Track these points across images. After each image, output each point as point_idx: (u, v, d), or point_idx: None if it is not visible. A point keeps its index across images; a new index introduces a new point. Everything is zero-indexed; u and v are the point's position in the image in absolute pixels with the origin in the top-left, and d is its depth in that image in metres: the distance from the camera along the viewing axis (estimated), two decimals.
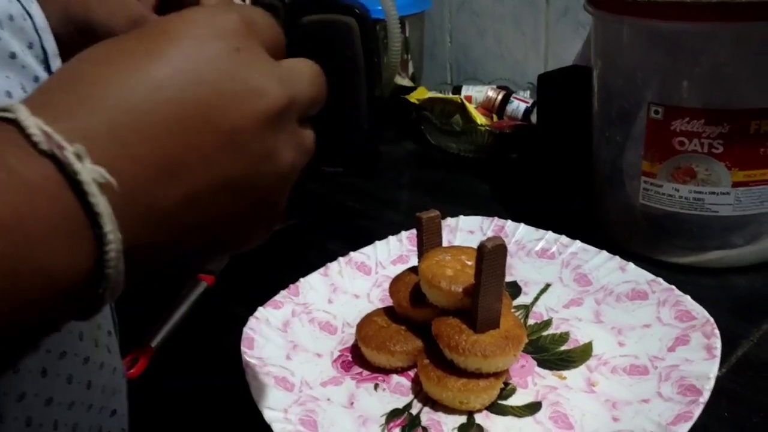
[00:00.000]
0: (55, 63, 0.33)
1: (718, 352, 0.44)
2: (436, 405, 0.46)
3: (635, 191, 0.60)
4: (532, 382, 0.47)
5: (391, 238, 0.63)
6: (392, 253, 0.62)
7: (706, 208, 0.57)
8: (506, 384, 0.47)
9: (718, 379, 0.43)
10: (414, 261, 0.54)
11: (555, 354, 0.50)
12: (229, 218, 0.24)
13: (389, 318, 0.51)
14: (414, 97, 0.94)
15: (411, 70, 1.03)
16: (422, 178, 0.87)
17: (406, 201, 0.82)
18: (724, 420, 0.44)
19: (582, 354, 0.49)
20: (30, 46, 0.31)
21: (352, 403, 0.46)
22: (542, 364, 0.49)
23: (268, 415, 0.42)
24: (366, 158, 0.87)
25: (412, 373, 0.49)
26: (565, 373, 0.48)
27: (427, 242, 0.52)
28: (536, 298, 0.56)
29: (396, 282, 0.53)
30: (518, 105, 0.91)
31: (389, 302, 0.53)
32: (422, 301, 0.49)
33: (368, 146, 0.87)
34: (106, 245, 0.20)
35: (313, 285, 0.57)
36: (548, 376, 0.48)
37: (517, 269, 0.59)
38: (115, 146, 0.21)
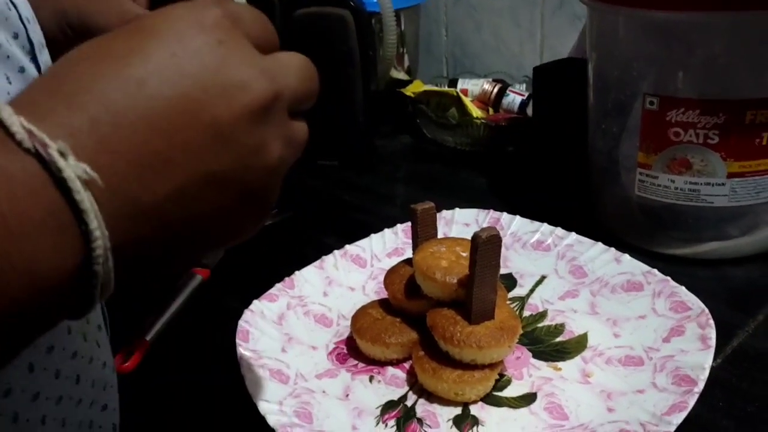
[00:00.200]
0: (43, 54, 0.33)
1: (712, 343, 0.45)
2: (431, 396, 0.46)
3: (631, 183, 0.60)
4: (527, 373, 0.47)
5: (387, 231, 0.63)
6: (387, 246, 0.62)
7: (702, 199, 0.57)
8: (501, 375, 0.47)
9: (713, 370, 0.43)
10: (409, 253, 0.54)
11: (550, 345, 0.50)
12: (218, 212, 0.24)
13: (384, 310, 0.51)
14: (410, 91, 0.94)
15: (407, 63, 1.02)
16: (418, 172, 0.87)
17: (402, 195, 0.81)
18: (719, 410, 0.44)
19: (577, 345, 0.49)
20: (15, 37, 0.31)
21: (347, 395, 0.46)
22: (537, 355, 0.49)
23: (263, 407, 0.42)
24: (362, 152, 0.87)
25: (407, 365, 0.49)
26: (560, 364, 0.48)
27: (422, 234, 0.52)
28: (532, 290, 0.56)
29: (391, 274, 0.53)
30: (514, 98, 0.91)
31: (384, 294, 0.53)
32: (417, 293, 0.49)
33: (364, 140, 0.87)
34: (92, 242, 0.20)
35: (308, 278, 0.57)
36: (543, 368, 0.48)
37: (512, 261, 0.59)
38: (97, 143, 0.21)
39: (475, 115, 0.87)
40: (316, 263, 0.58)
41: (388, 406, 0.45)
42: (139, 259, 0.23)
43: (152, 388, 0.51)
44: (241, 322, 0.50)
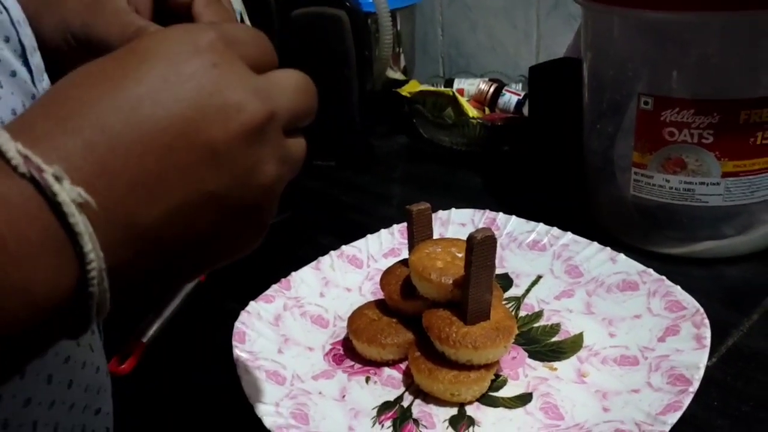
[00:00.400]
0: (34, 57, 0.33)
1: (707, 342, 0.45)
2: (427, 397, 0.46)
3: (626, 182, 0.60)
4: (523, 373, 0.47)
5: (383, 232, 0.63)
6: (384, 247, 0.62)
7: (697, 199, 0.57)
8: (497, 375, 0.47)
9: (708, 369, 0.44)
10: (406, 254, 0.54)
11: (546, 345, 0.50)
12: (214, 232, 0.24)
13: (380, 311, 0.51)
14: (406, 91, 0.94)
15: (403, 63, 1.02)
16: (415, 172, 0.87)
17: (399, 195, 0.81)
18: (714, 409, 0.44)
19: (573, 345, 0.49)
20: (6, 40, 0.31)
21: (343, 396, 0.46)
22: (533, 355, 0.49)
23: (260, 409, 0.42)
24: (358, 152, 0.87)
25: (403, 366, 0.49)
26: (555, 364, 0.48)
27: (418, 235, 0.52)
28: (527, 290, 0.56)
29: (387, 275, 0.53)
30: (510, 98, 0.91)
31: (381, 295, 0.53)
32: (413, 294, 0.49)
33: (360, 140, 0.87)
34: (87, 264, 0.21)
35: (304, 279, 0.57)
36: (539, 368, 0.48)
37: (508, 261, 0.60)
38: (92, 166, 0.21)
39: (471, 114, 0.87)
40: (313, 264, 0.58)
41: (384, 407, 0.45)
42: (135, 279, 0.23)
43: (149, 389, 0.51)
44: (237, 324, 0.50)
